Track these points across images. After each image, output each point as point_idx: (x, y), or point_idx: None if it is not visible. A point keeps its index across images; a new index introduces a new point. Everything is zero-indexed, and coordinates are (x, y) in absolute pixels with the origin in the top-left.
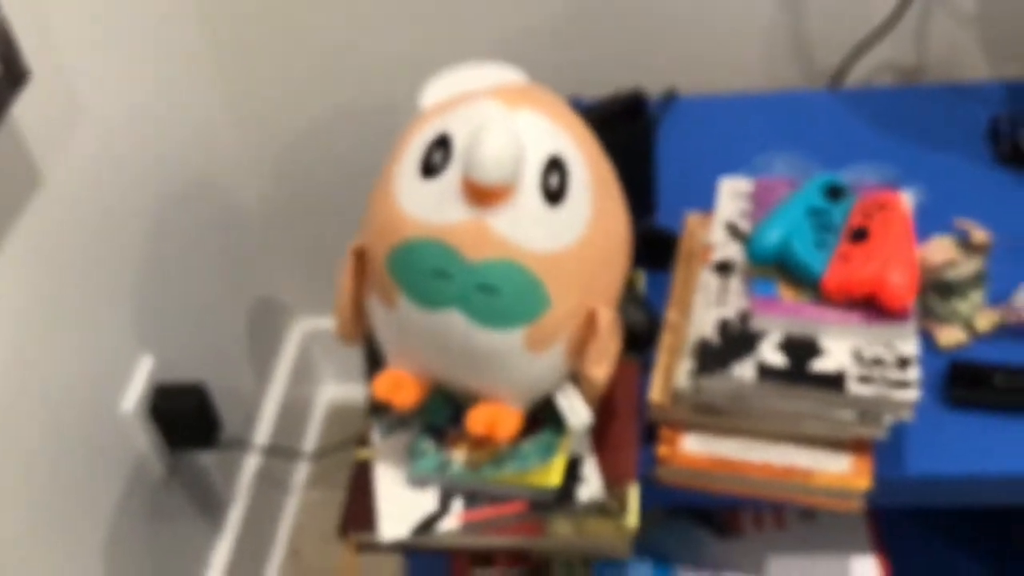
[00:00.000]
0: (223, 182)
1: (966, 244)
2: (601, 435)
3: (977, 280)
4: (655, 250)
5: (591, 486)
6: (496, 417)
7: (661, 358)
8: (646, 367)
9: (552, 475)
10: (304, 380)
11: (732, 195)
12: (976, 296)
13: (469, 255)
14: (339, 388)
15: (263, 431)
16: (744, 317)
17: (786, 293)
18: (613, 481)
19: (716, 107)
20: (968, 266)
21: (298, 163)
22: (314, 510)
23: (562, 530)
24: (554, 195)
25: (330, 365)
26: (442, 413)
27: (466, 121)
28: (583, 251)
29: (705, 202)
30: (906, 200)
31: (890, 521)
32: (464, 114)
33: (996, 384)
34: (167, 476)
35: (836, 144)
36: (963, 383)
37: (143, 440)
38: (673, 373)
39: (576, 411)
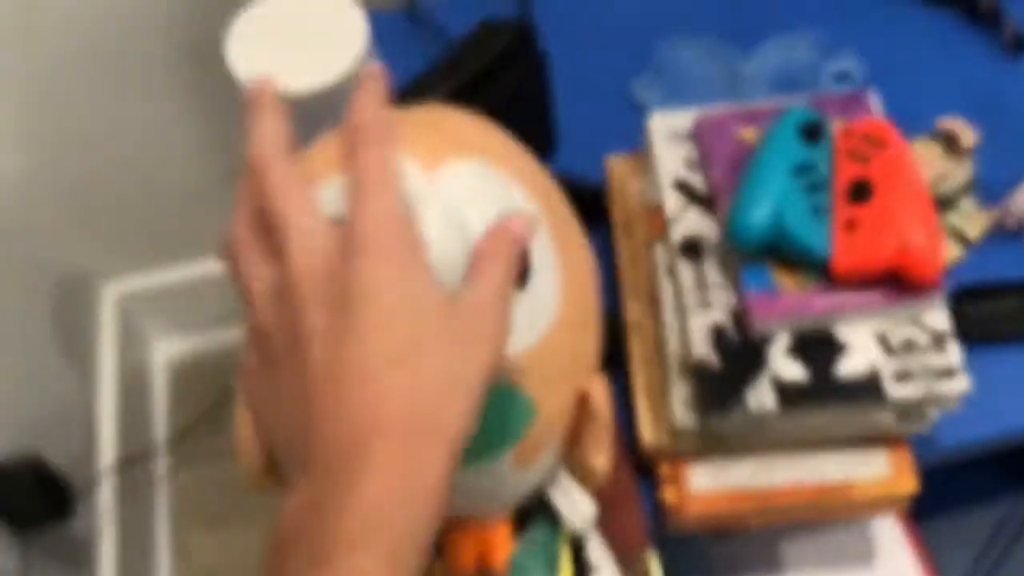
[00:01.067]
0: None
1: (952, 147)
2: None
3: (967, 186)
4: (577, 207)
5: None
6: (486, 545)
7: (637, 378)
8: (615, 384)
9: None
10: (132, 351)
11: (667, 138)
12: (968, 204)
13: None
14: (174, 345)
15: (107, 442)
16: (740, 322)
17: (785, 281)
18: (627, 558)
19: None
20: (959, 174)
21: None
22: (189, 496)
23: None
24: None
25: (157, 324)
26: None
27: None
28: (562, 328)
29: (609, 131)
30: (875, 104)
31: None
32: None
33: (1009, 310)
34: (21, 566)
35: (739, 14)
36: (972, 318)
37: None
38: (663, 401)
39: (578, 509)
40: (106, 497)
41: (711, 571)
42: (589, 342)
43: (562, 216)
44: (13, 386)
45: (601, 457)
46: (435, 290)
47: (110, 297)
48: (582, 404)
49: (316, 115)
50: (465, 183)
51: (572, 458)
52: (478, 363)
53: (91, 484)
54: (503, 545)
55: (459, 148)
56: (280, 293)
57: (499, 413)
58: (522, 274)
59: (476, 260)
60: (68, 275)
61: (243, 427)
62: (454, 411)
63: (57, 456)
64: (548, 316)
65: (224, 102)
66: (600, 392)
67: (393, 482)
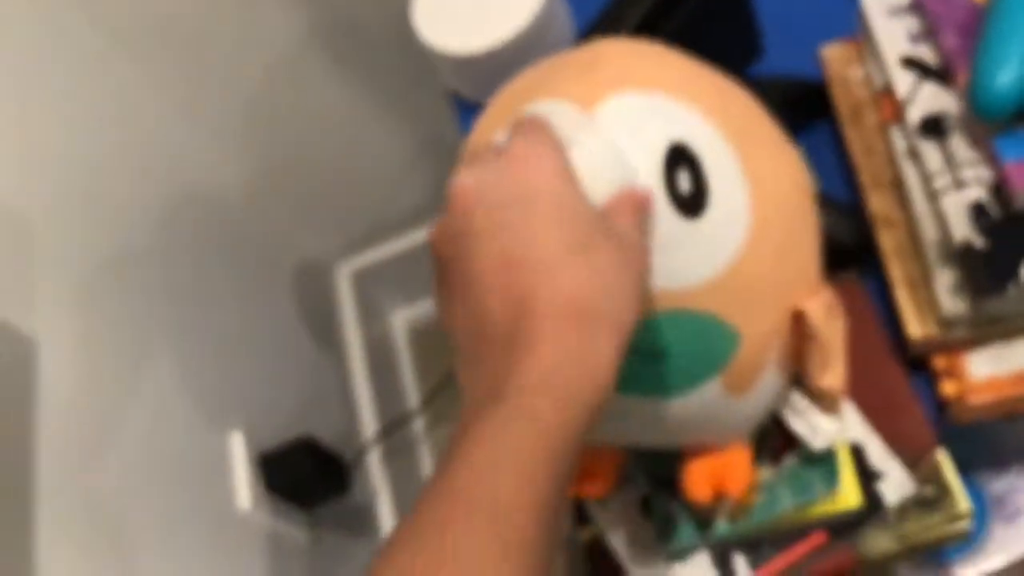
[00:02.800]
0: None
1: None
2: (866, 396)
3: None
4: (794, 106)
5: (894, 480)
6: (721, 471)
7: (894, 271)
8: (871, 281)
9: (849, 497)
10: (374, 321)
11: (886, 13)
12: None
13: None
14: (407, 312)
15: (367, 413)
16: (1001, 195)
17: None
18: (915, 458)
19: None
20: None
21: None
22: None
23: (880, 545)
24: (691, 201)
25: (389, 296)
26: (661, 460)
27: None
28: (758, 250)
29: (819, 22)
30: None
31: None
32: None
33: None
34: (315, 540)
35: None
36: None
37: (275, 524)
38: (927, 292)
39: (817, 432)
40: (375, 465)
41: (1003, 456)
42: (799, 258)
43: (756, 132)
44: (280, 378)
45: (828, 377)
46: (588, 201)
47: (344, 278)
48: (800, 323)
49: (498, 67)
50: (624, 118)
51: (801, 375)
52: (637, 266)
53: (360, 455)
54: (739, 472)
55: (621, 84)
56: (454, 200)
57: (696, 342)
58: (695, 202)
59: (608, 211)
60: (304, 267)
61: None
62: (622, 302)
63: (326, 435)
64: (736, 240)
65: (418, 77)
66: (817, 310)
67: (567, 353)
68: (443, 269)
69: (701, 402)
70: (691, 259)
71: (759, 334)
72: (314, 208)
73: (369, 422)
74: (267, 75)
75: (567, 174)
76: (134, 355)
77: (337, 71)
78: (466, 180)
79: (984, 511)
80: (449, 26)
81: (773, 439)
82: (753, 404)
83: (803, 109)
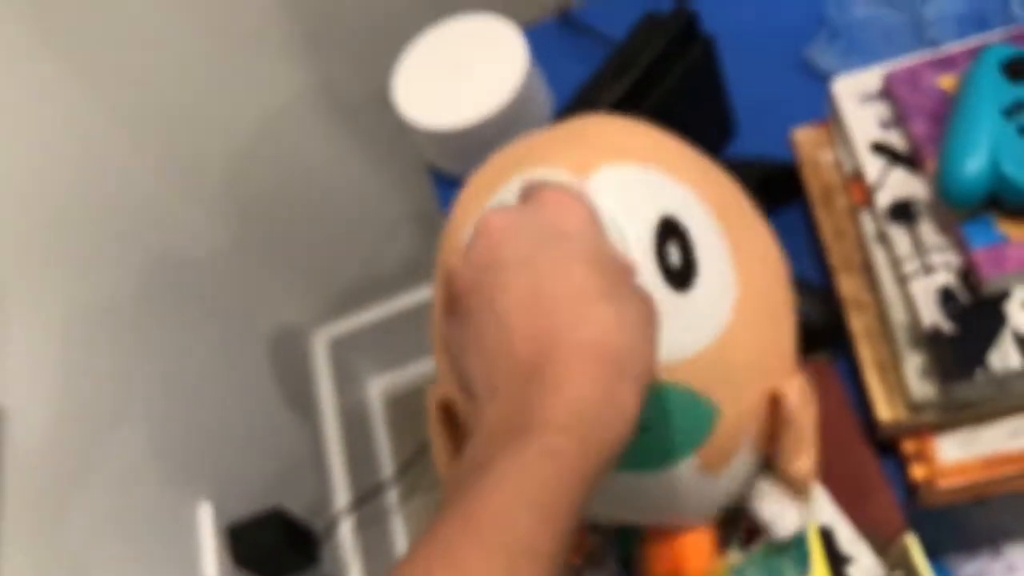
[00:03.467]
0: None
1: None
2: (836, 479)
3: None
4: (768, 188)
5: (863, 565)
6: (681, 552)
7: (863, 353)
8: (842, 363)
9: None
10: (349, 388)
11: (857, 99)
12: None
13: None
14: (384, 380)
15: (340, 483)
16: (969, 280)
17: (1012, 231)
18: (884, 542)
19: None
20: None
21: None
22: (423, 519)
23: None
24: (680, 274)
25: (365, 364)
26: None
27: None
28: (742, 328)
29: (789, 108)
30: None
31: None
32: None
33: None
34: None
35: None
36: None
37: None
38: (896, 375)
39: (787, 518)
40: (346, 536)
41: (973, 539)
42: (778, 339)
43: (737, 212)
44: (250, 446)
45: (800, 462)
46: (615, 251)
47: (321, 344)
48: (775, 406)
49: (477, 143)
50: (618, 187)
51: (771, 458)
52: (656, 323)
53: (331, 526)
54: (699, 555)
55: (613, 155)
56: (485, 231)
57: (677, 417)
58: (684, 275)
59: None
60: (281, 331)
61: (435, 438)
62: (645, 354)
63: (297, 505)
64: (722, 316)
65: (398, 146)
66: (795, 393)
67: (592, 396)
68: (463, 299)
69: (676, 479)
70: (678, 333)
71: (738, 413)
72: (293, 273)
73: (342, 492)
74: (249, 136)
75: (598, 223)
76: (105, 418)
77: (320, 136)
78: (498, 214)
79: None
80: (428, 101)
81: (744, 522)
82: (725, 485)
83: (775, 191)
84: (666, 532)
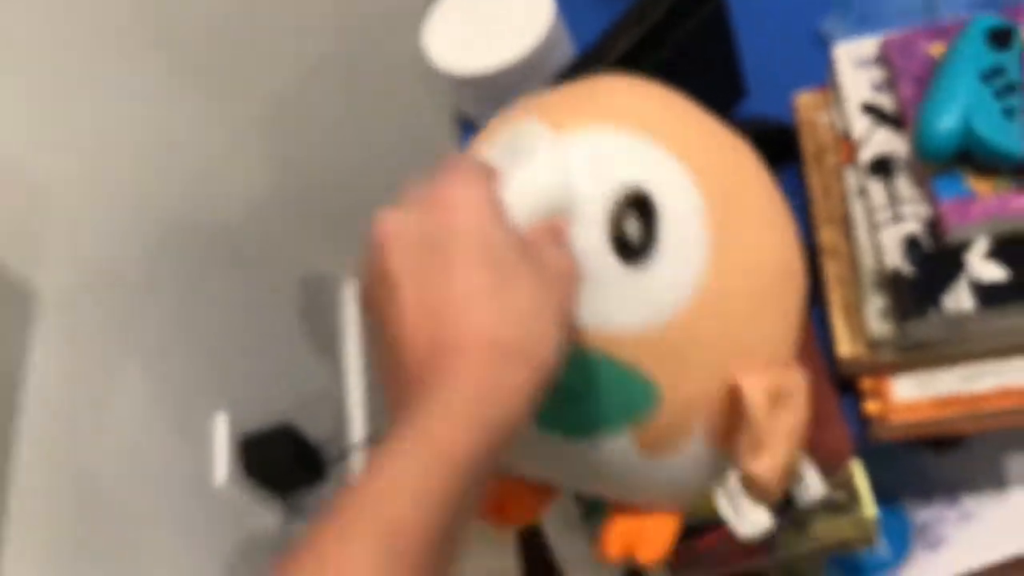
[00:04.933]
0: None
1: None
2: None
3: None
4: (765, 148)
5: (810, 484)
6: (638, 534)
7: (833, 296)
8: (815, 305)
9: None
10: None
11: (854, 64)
12: None
13: None
14: None
15: (357, 420)
16: (935, 229)
17: (980, 186)
18: (830, 466)
19: None
20: None
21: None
22: None
23: (791, 544)
24: (634, 248)
25: None
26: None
27: (506, 154)
28: (701, 316)
29: (799, 71)
30: None
31: None
32: (504, 144)
33: None
34: (287, 525)
35: None
36: None
37: (249, 504)
38: (859, 316)
39: (744, 519)
40: (357, 466)
41: (930, 487)
42: (753, 334)
43: (742, 203)
44: (272, 368)
45: (757, 464)
46: (513, 233)
47: (350, 294)
48: (734, 401)
49: (503, 88)
50: (590, 152)
51: (735, 459)
52: (559, 294)
53: (343, 454)
54: (656, 540)
55: (608, 118)
56: (374, 243)
57: (608, 389)
58: (640, 250)
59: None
60: (312, 278)
61: None
62: (540, 337)
63: (312, 429)
64: (679, 299)
65: (430, 102)
66: (753, 388)
67: (476, 385)
68: (367, 310)
69: (610, 452)
70: (621, 305)
71: (686, 399)
72: (326, 224)
73: (357, 425)
74: (283, 93)
75: (490, 208)
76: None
77: (356, 91)
78: (386, 222)
79: (908, 537)
80: (456, 49)
81: None
82: (676, 471)
83: (772, 152)
84: (628, 511)
